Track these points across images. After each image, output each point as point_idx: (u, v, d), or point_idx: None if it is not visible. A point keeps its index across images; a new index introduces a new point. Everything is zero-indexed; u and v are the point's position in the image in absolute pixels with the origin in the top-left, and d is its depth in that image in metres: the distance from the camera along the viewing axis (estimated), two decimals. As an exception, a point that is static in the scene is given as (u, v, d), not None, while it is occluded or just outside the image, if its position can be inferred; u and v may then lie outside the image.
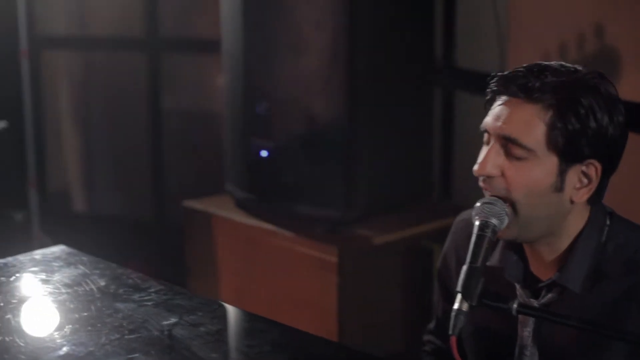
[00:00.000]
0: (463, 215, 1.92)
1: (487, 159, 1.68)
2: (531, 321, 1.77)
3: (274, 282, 3.30)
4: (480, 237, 1.63)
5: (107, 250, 2.39)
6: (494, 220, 1.64)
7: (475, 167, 1.69)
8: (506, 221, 1.66)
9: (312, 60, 3.08)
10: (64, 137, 5.12)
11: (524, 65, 1.71)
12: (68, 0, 4.99)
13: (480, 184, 1.71)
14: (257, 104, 3.17)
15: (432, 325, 2.09)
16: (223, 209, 3.41)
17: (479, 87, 1.82)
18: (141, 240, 4.81)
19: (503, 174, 1.67)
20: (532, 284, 1.77)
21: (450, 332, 1.57)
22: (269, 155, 3.16)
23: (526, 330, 1.78)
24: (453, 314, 1.58)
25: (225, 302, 1.99)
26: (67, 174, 5.14)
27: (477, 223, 1.65)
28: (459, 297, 1.58)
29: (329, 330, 3.14)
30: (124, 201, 5.00)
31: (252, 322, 1.92)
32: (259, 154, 3.18)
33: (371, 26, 3.12)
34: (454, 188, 3.84)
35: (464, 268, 1.59)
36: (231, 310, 1.96)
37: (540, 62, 1.72)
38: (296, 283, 3.22)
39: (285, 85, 3.12)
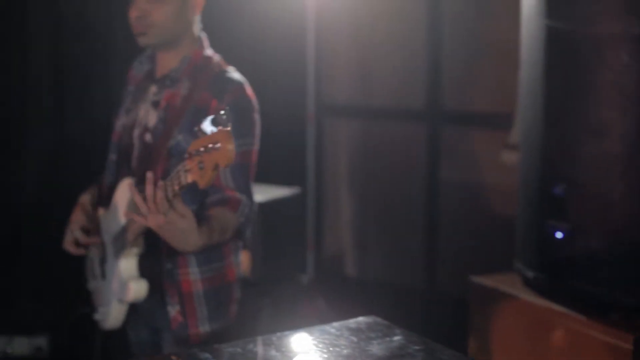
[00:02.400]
0: None
1: None
2: None
3: (558, 364, 3.26)
4: None
5: (376, 315, 2.43)
6: None
7: None
8: None
9: (614, 145, 3.05)
10: (341, 202, 5.29)
11: None
12: (353, 71, 5.18)
13: None
14: (555, 185, 3.16)
15: None
16: (511, 287, 3.41)
17: None
18: (411, 306, 4.87)
19: None
20: None
21: None
22: (563, 237, 3.13)
23: None
24: None
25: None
26: (341, 238, 5.29)
27: None
28: None
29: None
30: (395, 267, 5.09)
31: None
32: (553, 235, 3.17)
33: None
34: None
35: None
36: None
37: None
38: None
39: (585, 168, 3.10)
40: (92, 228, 3.07)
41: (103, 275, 3.06)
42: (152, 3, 2.87)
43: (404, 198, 5.02)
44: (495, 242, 4.32)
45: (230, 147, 2.19)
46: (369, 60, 5.09)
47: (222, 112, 2.21)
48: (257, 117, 2.93)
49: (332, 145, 5.29)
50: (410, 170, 4.96)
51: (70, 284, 3.78)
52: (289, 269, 4.50)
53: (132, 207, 2.83)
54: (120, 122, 3.07)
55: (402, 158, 5.01)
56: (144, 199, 2.48)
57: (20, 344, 4.18)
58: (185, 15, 2.93)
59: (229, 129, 2.20)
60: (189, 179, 2.33)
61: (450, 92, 4.77)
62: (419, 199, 4.89)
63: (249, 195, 2.86)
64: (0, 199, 4.56)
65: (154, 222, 2.48)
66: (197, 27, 3.00)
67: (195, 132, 2.26)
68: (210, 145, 2.22)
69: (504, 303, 3.39)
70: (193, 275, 2.90)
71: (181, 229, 2.50)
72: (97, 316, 3.14)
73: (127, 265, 2.91)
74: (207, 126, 2.23)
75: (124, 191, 2.91)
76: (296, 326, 2.37)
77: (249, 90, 2.90)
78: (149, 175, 2.46)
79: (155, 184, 2.46)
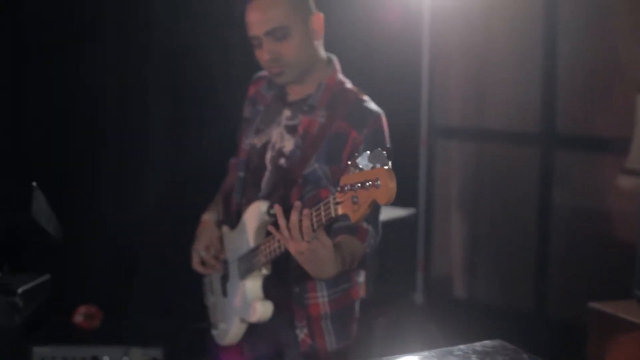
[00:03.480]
0: None
1: None
2: None
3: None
4: None
5: (483, 338, 2.42)
6: None
7: None
8: None
9: None
10: (451, 224, 5.28)
11: None
12: (467, 94, 5.18)
13: None
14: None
15: None
16: (632, 314, 3.36)
17: None
18: (521, 331, 4.83)
19: None
20: None
21: None
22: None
23: None
24: None
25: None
26: (451, 260, 5.28)
27: None
28: None
29: None
30: (505, 291, 5.05)
31: None
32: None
33: None
34: None
35: None
36: None
37: None
38: None
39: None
40: (217, 246, 3.12)
41: (224, 292, 3.11)
42: (279, 42, 2.89)
43: (515, 221, 4.98)
44: (610, 268, 4.26)
45: (392, 185, 2.17)
46: (482, 83, 5.09)
47: (383, 150, 2.21)
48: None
49: (444, 167, 5.28)
50: (522, 194, 4.92)
51: (186, 298, 3.86)
52: (400, 289, 4.51)
53: (262, 231, 2.89)
54: (249, 140, 3.10)
55: (514, 181, 4.98)
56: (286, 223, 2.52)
57: (136, 355, 4.27)
58: (311, 43, 2.95)
59: (389, 167, 2.20)
60: (340, 211, 2.33)
61: (565, 114, 4.71)
62: (531, 222, 4.85)
63: (376, 227, 2.87)
64: (121, 216, 4.69)
65: (295, 248, 2.50)
66: (323, 50, 3.04)
67: (348, 166, 2.27)
68: (369, 183, 2.21)
69: (624, 331, 3.34)
70: (321, 298, 2.93)
71: (321, 258, 2.53)
72: (216, 332, 3.20)
73: (254, 286, 2.95)
74: (364, 161, 2.22)
75: (254, 213, 2.94)
76: (410, 347, 2.38)
77: (385, 122, 2.91)
78: (298, 204, 2.47)
79: (301, 212, 2.48)
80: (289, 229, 2.49)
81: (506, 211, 5.03)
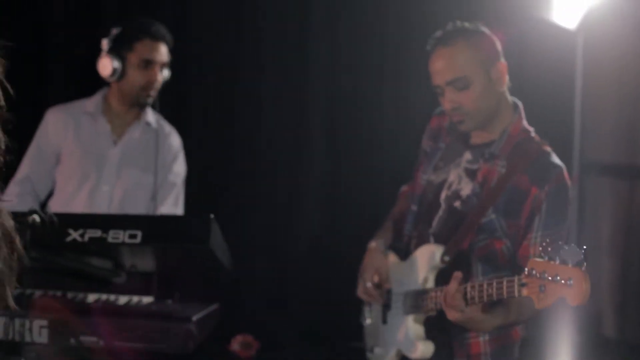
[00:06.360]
0: None
1: None
2: None
3: None
4: None
5: None
6: None
7: None
8: None
9: None
10: (601, 261, 5.20)
11: None
12: (619, 130, 5.11)
13: None
14: None
15: None
16: None
17: None
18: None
19: None
20: None
21: None
22: None
23: None
24: None
25: None
26: (600, 298, 5.20)
27: None
28: None
29: None
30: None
31: None
32: None
33: None
34: None
35: None
36: None
37: None
38: None
39: None
40: (383, 276, 3.17)
41: (384, 320, 3.16)
42: (460, 92, 2.93)
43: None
44: None
45: (586, 288, 2.21)
46: (636, 119, 5.02)
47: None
48: (569, 204, 2.93)
49: (594, 203, 5.22)
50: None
51: (340, 319, 3.94)
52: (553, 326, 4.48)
53: (433, 274, 2.94)
54: (426, 176, 3.14)
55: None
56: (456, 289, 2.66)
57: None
58: (494, 91, 2.97)
59: (584, 268, 2.21)
60: (524, 293, 2.38)
61: None
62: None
63: None
64: (277, 246, 4.80)
65: (450, 316, 2.67)
66: (508, 96, 3.04)
67: (538, 249, 2.31)
68: (561, 279, 2.23)
69: None
70: (482, 337, 2.96)
71: (478, 327, 2.67)
72: (371, 355, 3.26)
73: (417, 324, 3.00)
74: (565, 255, 2.22)
75: (427, 255, 2.99)
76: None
77: (567, 176, 2.91)
78: (457, 274, 2.62)
79: (459, 283, 2.61)
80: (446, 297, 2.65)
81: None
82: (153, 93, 3.94)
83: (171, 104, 4.81)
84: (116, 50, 3.89)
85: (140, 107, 3.97)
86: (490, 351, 2.97)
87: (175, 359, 3.43)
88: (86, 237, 2.99)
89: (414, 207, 3.15)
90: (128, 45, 3.89)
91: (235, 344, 4.40)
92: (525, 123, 3.03)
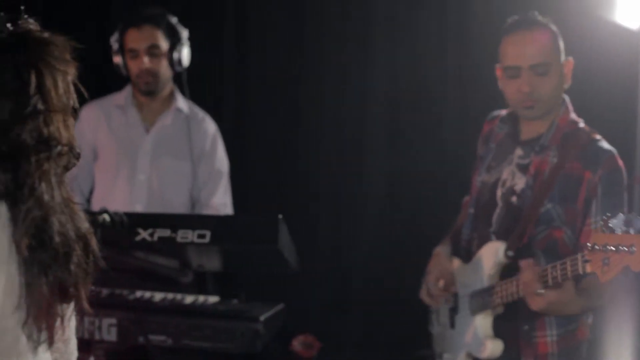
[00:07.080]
0: None
1: None
2: None
3: None
4: None
5: None
6: None
7: None
8: None
9: None
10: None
11: None
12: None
13: None
14: None
15: None
16: None
17: None
18: None
19: None
20: None
21: None
22: None
23: None
24: None
25: None
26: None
27: None
28: None
29: None
30: None
31: None
32: None
33: None
34: None
35: None
36: None
37: None
38: None
39: None
40: (449, 280, 3.17)
41: (452, 324, 3.16)
42: (540, 77, 2.94)
43: None
44: None
45: None
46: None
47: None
48: (625, 189, 2.93)
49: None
50: None
51: (404, 324, 3.92)
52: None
53: (498, 271, 2.94)
54: (481, 178, 3.14)
55: None
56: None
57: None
58: (562, 86, 3.00)
59: None
60: (588, 269, 2.39)
61: None
62: None
63: None
64: (340, 247, 4.80)
65: (533, 305, 2.69)
66: None
67: (598, 225, 2.31)
68: (624, 248, 2.23)
69: None
70: (550, 337, 2.94)
71: (560, 310, 2.65)
72: (441, 362, 3.25)
73: (485, 323, 2.99)
74: (618, 224, 2.24)
75: (491, 252, 2.98)
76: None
77: (619, 161, 2.91)
78: (528, 262, 2.69)
79: (532, 269, 2.64)
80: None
81: None
82: (150, 79, 3.98)
83: (235, 106, 4.87)
84: (118, 46, 4.02)
85: (147, 95, 4.02)
86: (558, 351, 2.95)
87: (237, 357, 3.46)
88: (155, 237, 3.02)
89: (471, 210, 3.16)
90: (121, 40, 4.00)
91: (297, 344, 4.40)
92: (573, 115, 3.04)
